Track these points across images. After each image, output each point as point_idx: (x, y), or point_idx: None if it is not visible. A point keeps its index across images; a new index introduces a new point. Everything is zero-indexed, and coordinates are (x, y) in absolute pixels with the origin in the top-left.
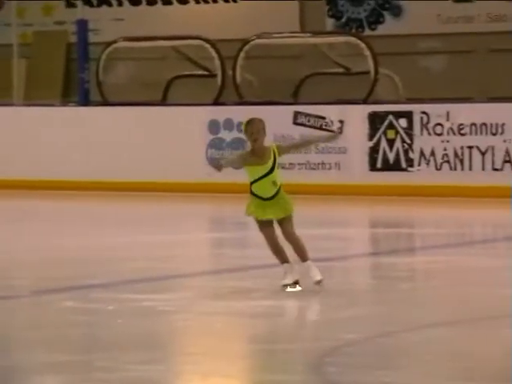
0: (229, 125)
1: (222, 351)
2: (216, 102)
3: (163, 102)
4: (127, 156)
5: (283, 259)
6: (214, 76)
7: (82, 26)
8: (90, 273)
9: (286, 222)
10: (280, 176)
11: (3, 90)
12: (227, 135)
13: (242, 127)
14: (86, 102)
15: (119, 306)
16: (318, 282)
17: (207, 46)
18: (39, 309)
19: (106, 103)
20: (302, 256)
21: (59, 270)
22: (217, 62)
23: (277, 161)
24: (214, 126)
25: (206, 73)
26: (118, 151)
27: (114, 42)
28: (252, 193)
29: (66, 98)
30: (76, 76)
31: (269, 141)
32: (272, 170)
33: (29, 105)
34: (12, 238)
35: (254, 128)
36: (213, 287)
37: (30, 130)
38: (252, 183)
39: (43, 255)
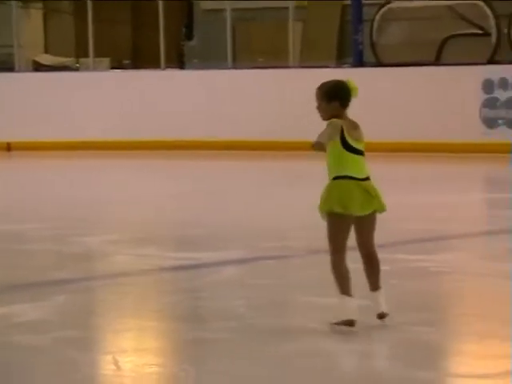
0: (503, 84)
1: (495, 313)
2: (490, 61)
3: (437, 61)
4: (401, 116)
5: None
6: (488, 35)
7: None
8: None
9: (371, 223)
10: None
11: (280, 52)
12: (502, 94)
13: (347, 86)
14: (360, 63)
15: (392, 266)
16: (383, 316)
17: (482, 4)
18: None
19: (379, 64)
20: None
21: None
22: (492, 21)
23: None
24: (488, 85)
25: (480, 32)
26: (393, 112)
27: (388, 2)
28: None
29: (340, 60)
30: (350, 38)
31: None
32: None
33: (304, 67)
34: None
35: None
36: (487, 248)
37: (304, 91)
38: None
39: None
